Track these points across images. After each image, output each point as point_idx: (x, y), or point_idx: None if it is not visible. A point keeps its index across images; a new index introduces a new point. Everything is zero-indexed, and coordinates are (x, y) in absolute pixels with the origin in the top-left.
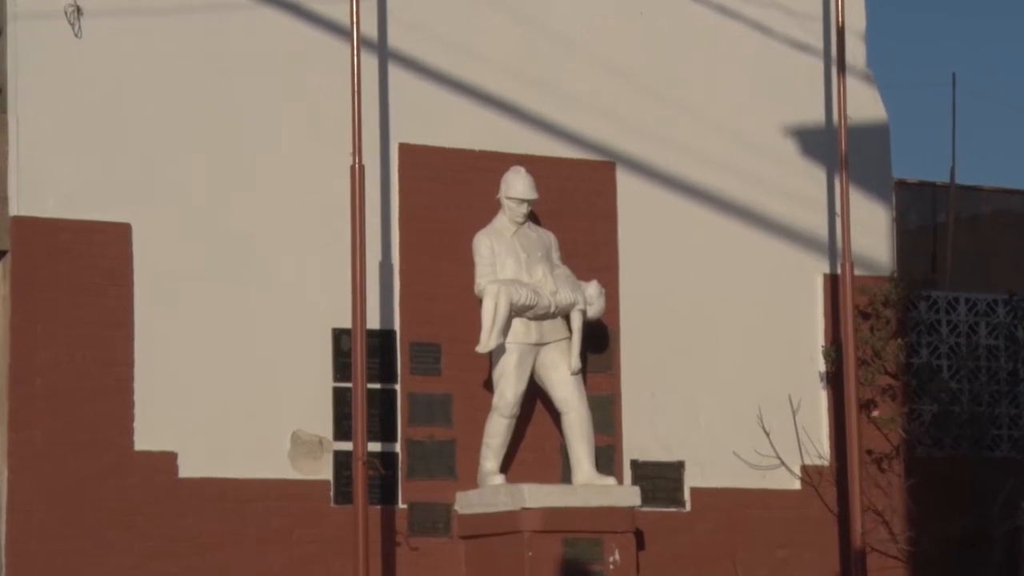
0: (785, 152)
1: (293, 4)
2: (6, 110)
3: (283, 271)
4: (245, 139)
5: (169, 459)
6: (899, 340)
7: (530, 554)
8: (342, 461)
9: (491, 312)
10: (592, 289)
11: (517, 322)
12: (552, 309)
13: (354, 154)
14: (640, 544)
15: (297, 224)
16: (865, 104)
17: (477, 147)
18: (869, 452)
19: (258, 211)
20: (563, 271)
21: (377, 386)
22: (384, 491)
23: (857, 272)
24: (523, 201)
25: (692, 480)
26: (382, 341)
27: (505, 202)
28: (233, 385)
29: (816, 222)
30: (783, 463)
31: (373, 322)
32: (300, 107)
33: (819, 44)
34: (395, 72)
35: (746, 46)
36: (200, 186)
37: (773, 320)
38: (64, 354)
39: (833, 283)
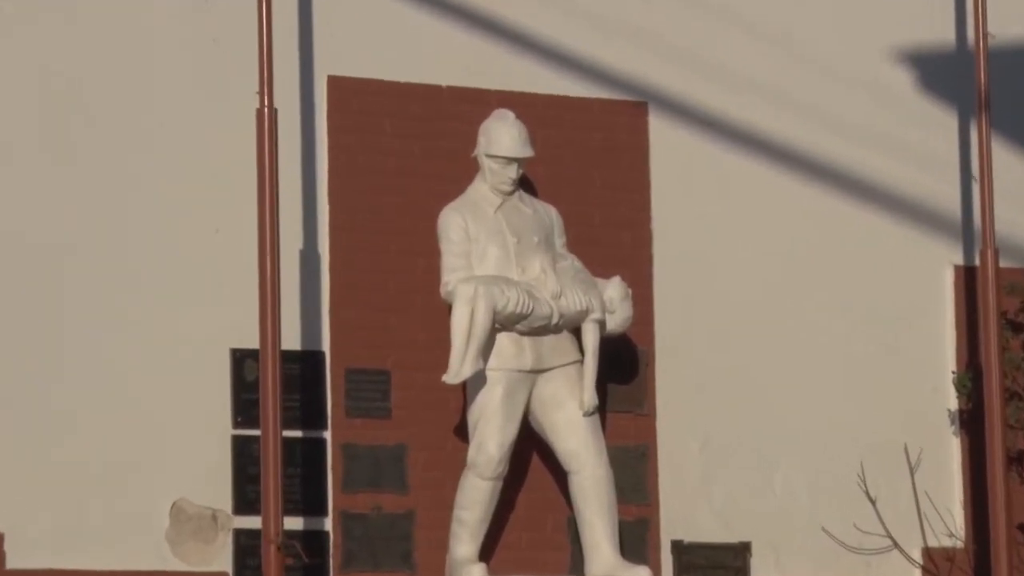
0: (895, 88)
1: None
2: None
3: (159, 266)
4: (106, 75)
5: None
6: None
7: None
8: (247, 545)
9: (465, 324)
10: (614, 290)
11: (504, 338)
12: (555, 320)
13: (262, 92)
14: None
15: (180, 197)
16: (1013, 16)
17: (444, 82)
18: (1021, 528)
19: (123, 179)
20: (571, 264)
21: (298, 434)
22: None
23: (1004, 263)
24: (512, 161)
25: (762, 569)
26: (305, 367)
27: (486, 162)
28: (86, 435)
29: (942, 191)
30: (895, 545)
31: (291, 340)
32: (186, 28)
33: None
34: None
35: None
36: (37, 140)
37: (880, 335)
38: None
39: (969, 280)
